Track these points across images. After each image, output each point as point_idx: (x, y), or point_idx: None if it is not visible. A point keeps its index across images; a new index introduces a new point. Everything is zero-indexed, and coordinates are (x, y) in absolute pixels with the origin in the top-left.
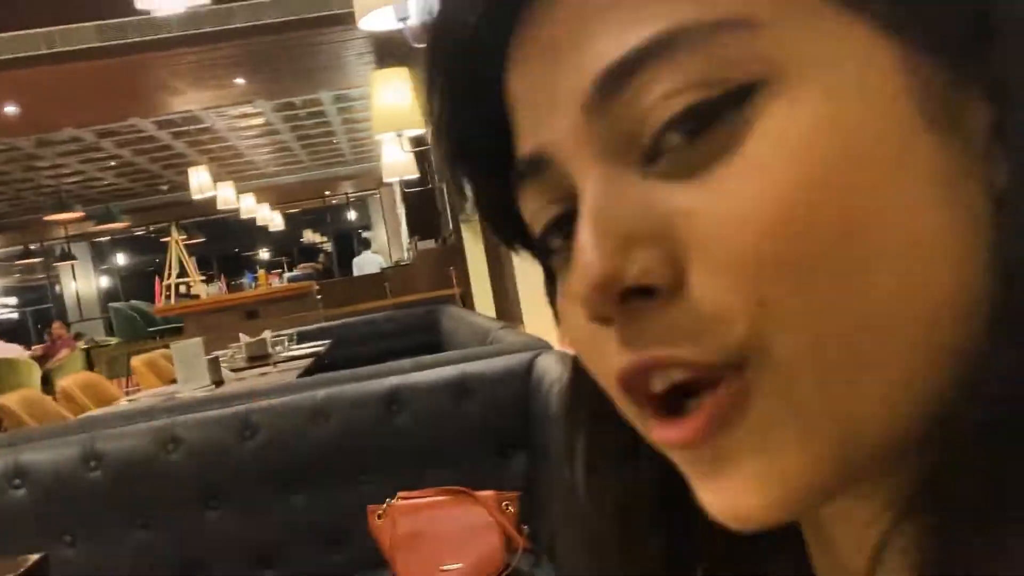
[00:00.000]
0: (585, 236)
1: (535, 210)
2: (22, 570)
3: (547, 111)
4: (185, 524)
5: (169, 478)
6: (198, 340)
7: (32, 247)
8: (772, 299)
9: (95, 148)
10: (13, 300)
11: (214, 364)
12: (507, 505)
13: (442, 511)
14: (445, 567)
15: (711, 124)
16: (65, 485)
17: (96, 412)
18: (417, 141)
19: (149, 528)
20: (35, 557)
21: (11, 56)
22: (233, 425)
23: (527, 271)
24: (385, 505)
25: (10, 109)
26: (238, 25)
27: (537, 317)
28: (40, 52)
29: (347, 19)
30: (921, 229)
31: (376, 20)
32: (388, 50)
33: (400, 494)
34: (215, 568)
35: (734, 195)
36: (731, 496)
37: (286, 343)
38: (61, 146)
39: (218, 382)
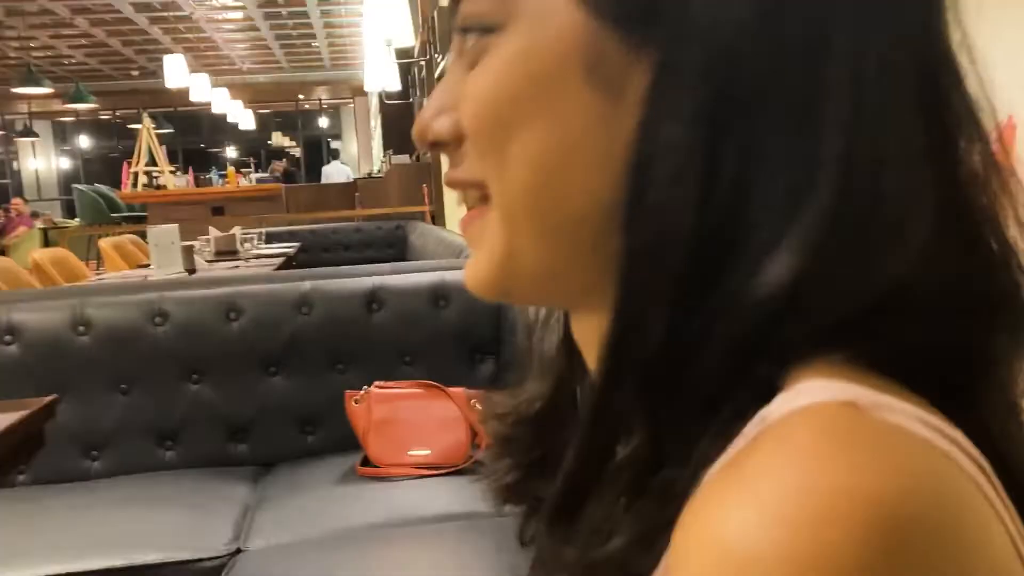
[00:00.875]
0: (428, 100)
1: None
2: (35, 408)
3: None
4: (166, 394)
5: (155, 349)
6: (174, 226)
7: None
8: (483, 157)
9: (67, 24)
10: None
11: (188, 252)
12: (475, 403)
13: (416, 402)
14: (413, 452)
15: (475, 41)
16: (54, 346)
17: (84, 282)
18: (404, 53)
19: (131, 394)
20: (47, 399)
21: None
22: (220, 305)
23: None
24: (363, 391)
25: None
26: None
27: None
28: None
29: None
30: (571, 143)
31: None
32: None
33: (377, 383)
34: (191, 438)
35: (471, 89)
36: (465, 271)
37: (255, 241)
38: (32, 17)
39: (191, 270)
